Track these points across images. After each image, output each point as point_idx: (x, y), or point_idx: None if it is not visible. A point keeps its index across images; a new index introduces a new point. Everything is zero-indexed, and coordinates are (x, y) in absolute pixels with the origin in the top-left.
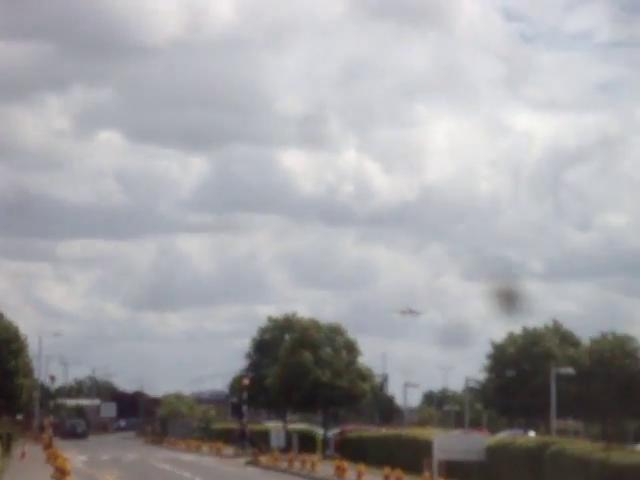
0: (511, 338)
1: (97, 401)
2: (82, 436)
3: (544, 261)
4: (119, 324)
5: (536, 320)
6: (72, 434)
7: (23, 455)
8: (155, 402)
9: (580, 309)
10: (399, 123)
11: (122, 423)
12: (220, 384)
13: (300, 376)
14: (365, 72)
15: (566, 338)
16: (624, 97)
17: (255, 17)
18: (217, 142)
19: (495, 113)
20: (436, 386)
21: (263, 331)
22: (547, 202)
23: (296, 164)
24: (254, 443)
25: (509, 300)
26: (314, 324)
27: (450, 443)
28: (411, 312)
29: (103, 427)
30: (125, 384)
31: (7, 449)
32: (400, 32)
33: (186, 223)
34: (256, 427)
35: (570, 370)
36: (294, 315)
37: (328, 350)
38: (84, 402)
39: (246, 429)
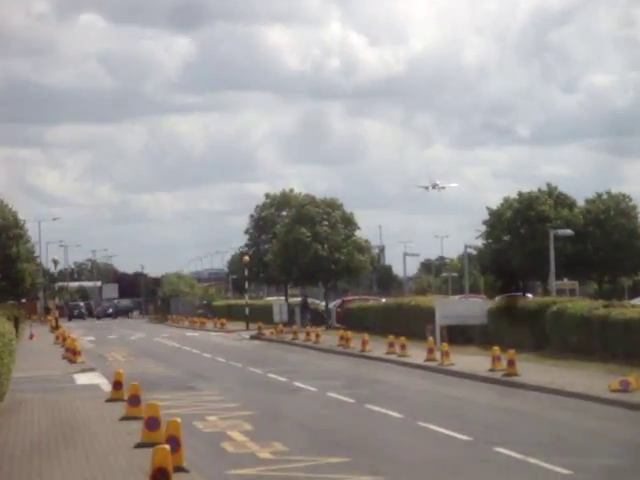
0: (507, 203)
1: (99, 283)
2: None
3: (532, 126)
4: (114, 207)
5: (529, 185)
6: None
7: (31, 337)
8: (156, 282)
9: (571, 171)
10: None
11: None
12: (218, 262)
13: (299, 252)
14: None
15: (560, 200)
16: None
17: None
18: (201, 21)
19: None
20: (433, 255)
21: (261, 208)
22: (532, 66)
23: (281, 40)
24: (319, 316)
25: None
26: (311, 199)
27: (452, 308)
28: (435, 186)
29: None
30: (125, 266)
31: (16, 331)
32: None
33: (174, 104)
34: (259, 302)
35: (568, 231)
36: (291, 191)
37: (325, 225)
38: (86, 284)
39: (308, 301)
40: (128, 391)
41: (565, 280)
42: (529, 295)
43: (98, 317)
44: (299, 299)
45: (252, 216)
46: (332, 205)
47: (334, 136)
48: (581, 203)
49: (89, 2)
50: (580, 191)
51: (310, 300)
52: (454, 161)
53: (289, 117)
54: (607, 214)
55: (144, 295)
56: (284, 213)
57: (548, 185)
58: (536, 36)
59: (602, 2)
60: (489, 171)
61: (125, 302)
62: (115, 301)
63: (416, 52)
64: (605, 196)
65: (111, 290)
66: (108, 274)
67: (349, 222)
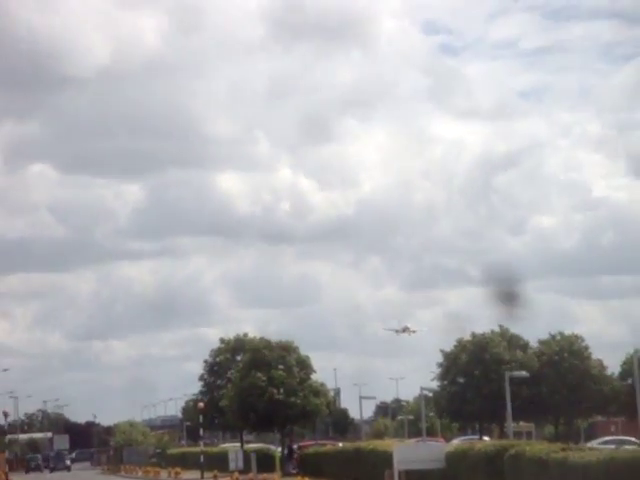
0: (461, 345)
1: (49, 434)
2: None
3: (481, 267)
4: (65, 355)
5: (482, 326)
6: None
7: None
8: (108, 431)
9: (522, 312)
10: (330, 139)
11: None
12: (172, 409)
13: (255, 397)
14: (293, 91)
15: (514, 342)
16: (549, 102)
17: (179, 43)
18: (151, 169)
19: (424, 124)
20: (389, 397)
21: (215, 353)
22: (480, 208)
23: (231, 185)
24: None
25: (509, 300)
26: (266, 343)
27: (410, 453)
28: (405, 330)
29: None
30: (76, 416)
31: None
32: (323, 50)
33: (125, 251)
34: (213, 449)
35: (524, 373)
36: (245, 335)
37: (281, 368)
38: (37, 435)
39: (294, 448)
40: None
41: (521, 423)
42: (486, 438)
43: (52, 470)
44: (254, 445)
45: (206, 361)
46: (287, 348)
47: (286, 279)
48: (534, 344)
49: (40, 153)
50: (532, 332)
51: (295, 446)
52: (406, 302)
53: (241, 261)
54: (560, 355)
55: (96, 445)
56: (239, 358)
57: (500, 327)
58: (483, 179)
59: (545, 147)
60: (441, 312)
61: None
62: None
63: (365, 195)
64: (558, 337)
65: (62, 441)
66: (59, 424)
67: (305, 365)
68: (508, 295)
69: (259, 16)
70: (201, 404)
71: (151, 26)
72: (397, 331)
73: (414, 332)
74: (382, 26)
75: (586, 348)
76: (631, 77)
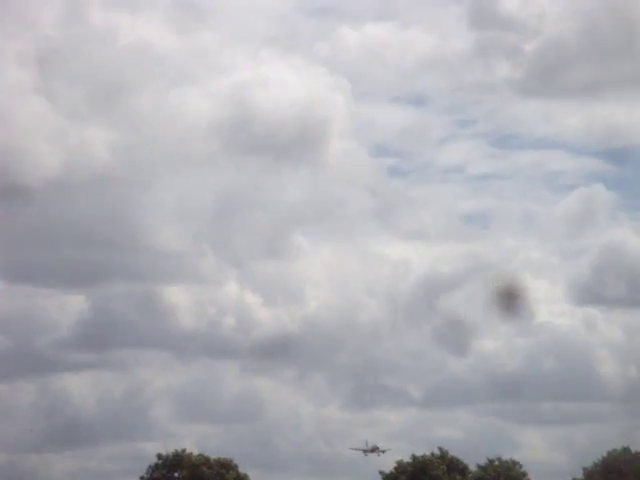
0: (401, 467)
1: None
2: None
3: (425, 388)
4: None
5: (424, 447)
6: None
7: None
8: None
9: (463, 435)
10: (278, 255)
11: None
12: None
13: None
14: (241, 206)
15: (454, 465)
16: (494, 228)
17: (129, 156)
18: (96, 280)
19: (371, 244)
20: None
21: (152, 469)
22: (424, 329)
23: (177, 299)
24: None
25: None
26: (204, 460)
27: None
28: (374, 450)
29: None
30: None
31: None
32: (273, 167)
33: (67, 362)
34: None
35: None
36: (183, 451)
37: None
38: None
39: None
40: None
41: None
42: None
43: None
44: None
45: (142, 477)
46: (226, 466)
47: (229, 394)
48: (473, 468)
49: None
50: (472, 455)
51: None
52: (348, 421)
53: (184, 375)
54: None
55: None
56: (176, 474)
57: (440, 449)
58: (428, 300)
59: (489, 270)
60: (383, 432)
61: None
62: None
63: (310, 312)
64: (496, 462)
65: None
66: None
67: None
68: None
69: (210, 131)
70: None
71: (101, 138)
72: (365, 451)
73: (383, 452)
74: (331, 146)
75: (524, 474)
76: (573, 206)
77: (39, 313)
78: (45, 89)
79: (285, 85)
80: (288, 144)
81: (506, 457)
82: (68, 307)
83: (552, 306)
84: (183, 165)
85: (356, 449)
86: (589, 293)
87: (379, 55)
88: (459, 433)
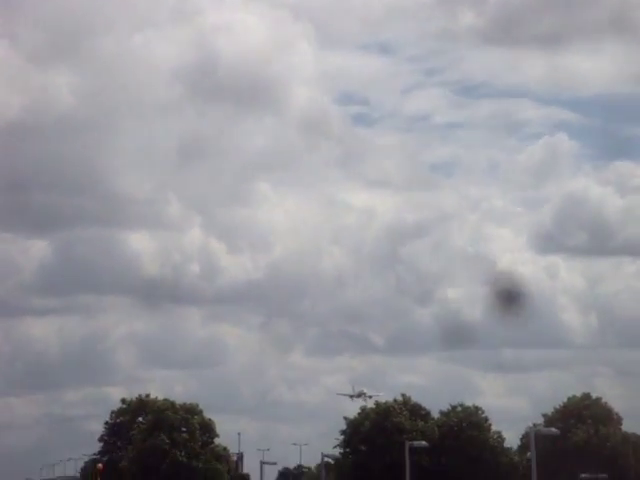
0: (364, 412)
1: None
2: None
3: (387, 335)
4: None
5: (386, 394)
6: None
7: None
8: None
9: (425, 382)
10: (242, 202)
11: None
12: (71, 469)
13: (157, 458)
14: (205, 153)
15: (416, 411)
16: (458, 177)
17: (93, 100)
18: (59, 225)
19: (336, 192)
20: (292, 463)
21: (116, 414)
22: (388, 277)
23: (141, 245)
24: None
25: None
26: (170, 405)
27: None
28: (361, 395)
29: None
30: None
31: None
32: (237, 114)
33: (30, 307)
34: None
35: (423, 443)
36: (148, 396)
37: (184, 431)
38: None
39: None
40: None
41: None
42: None
43: None
44: None
45: (107, 422)
46: (191, 410)
47: (193, 340)
48: (436, 414)
49: None
50: (435, 402)
51: None
52: (312, 368)
53: (148, 321)
54: (460, 426)
55: None
56: (141, 419)
57: (403, 395)
58: (391, 249)
59: (453, 219)
60: (346, 379)
61: None
62: None
63: (275, 260)
64: (459, 408)
65: None
66: None
67: (208, 429)
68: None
69: (173, 77)
70: (99, 465)
71: (64, 82)
72: (352, 396)
73: (370, 397)
74: (296, 93)
75: (486, 420)
76: (537, 155)
77: (1, 257)
78: (7, 33)
79: (250, 31)
80: (253, 91)
81: (468, 403)
82: (31, 252)
83: (515, 254)
84: (147, 110)
85: (343, 394)
86: (551, 241)
87: (345, 3)
88: (422, 380)
